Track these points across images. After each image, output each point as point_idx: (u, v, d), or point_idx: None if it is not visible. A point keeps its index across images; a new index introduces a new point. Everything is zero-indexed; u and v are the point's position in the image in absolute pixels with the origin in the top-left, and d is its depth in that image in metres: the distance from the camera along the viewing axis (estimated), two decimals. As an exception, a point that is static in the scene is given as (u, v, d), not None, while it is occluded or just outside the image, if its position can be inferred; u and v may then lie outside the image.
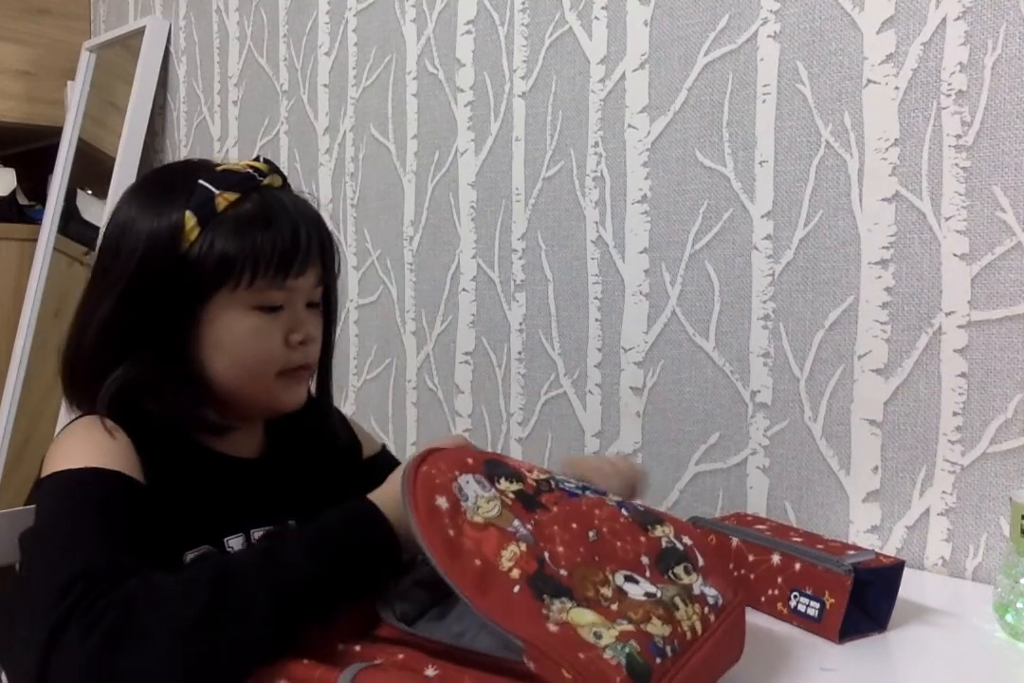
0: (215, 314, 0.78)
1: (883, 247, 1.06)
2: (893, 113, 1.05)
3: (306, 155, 1.79)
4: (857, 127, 1.07)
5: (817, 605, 0.81)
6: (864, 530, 1.08)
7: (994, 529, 0.99)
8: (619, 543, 0.67)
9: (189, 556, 0.74)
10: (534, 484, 0.68)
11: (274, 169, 0.83)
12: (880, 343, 1.06)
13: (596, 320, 1.32)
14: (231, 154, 1.96)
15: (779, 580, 0.85)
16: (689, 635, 0.62)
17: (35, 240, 2.30)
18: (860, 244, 1.07)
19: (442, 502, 0.61)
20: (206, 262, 0.76)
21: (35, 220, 2.37)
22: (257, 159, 0.83)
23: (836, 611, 0.80)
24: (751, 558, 0.88)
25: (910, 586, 0.87)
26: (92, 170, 2.23)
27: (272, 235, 0.77)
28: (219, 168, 0.81)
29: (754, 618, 0.85)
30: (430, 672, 0.57)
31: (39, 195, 2.43)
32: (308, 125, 1.78)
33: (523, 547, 0.61)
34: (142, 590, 0.59)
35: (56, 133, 2.30)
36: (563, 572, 0.61)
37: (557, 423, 1.38)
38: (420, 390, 1.58)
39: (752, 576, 0.88)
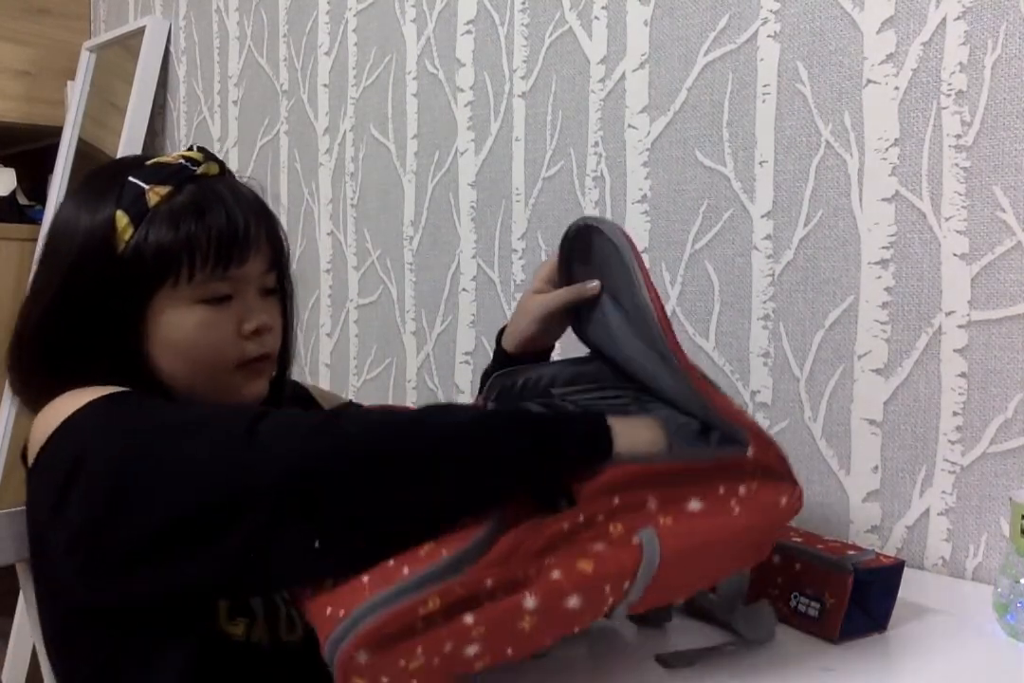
0: (160, 311, 0.77)
1: (883, 247, 1.06)
2: (893, 113, 1.05)
3: (306, 155, 1.79)
4: (857, 127, 1.07)
5: (817, 605, 0.81)
6: (864, 530, 1.08)
7: (994, 529, 0.99)
8: None
9: None
10: None
11: (209, 157, 0.81)
12: (880, 343, 1.06)
13: (596, 320, 1.32)
14: (231, 154, 1.96)
15: (779, 580, 0.85)
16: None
17: (35, 240, 2.30)
18: (860, 244, 1.07)
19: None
20: (143, 259, 0.75)
21: (35, 220, 2.38)
22: (191, 149, 0.82)
23: (836, 611, 0.80)
24: (751, 558, 0.88)
25: (910, 586, 0.87)
26: (92, 170, 2.23)
27: (207, 225, 0.76)
28: (150, 162, 0.80)
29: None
30: (693, 505, 0.66)
31: (39, 195, 2.43)
32: (308, 125, 1.78)
33: None
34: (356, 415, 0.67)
35: (56, 133, 2.30)
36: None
37: (557, 423, 1.38)
38: (420, 390, 1.58)
39: (752, 576, 0.88)
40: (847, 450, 1.09)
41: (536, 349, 0.92)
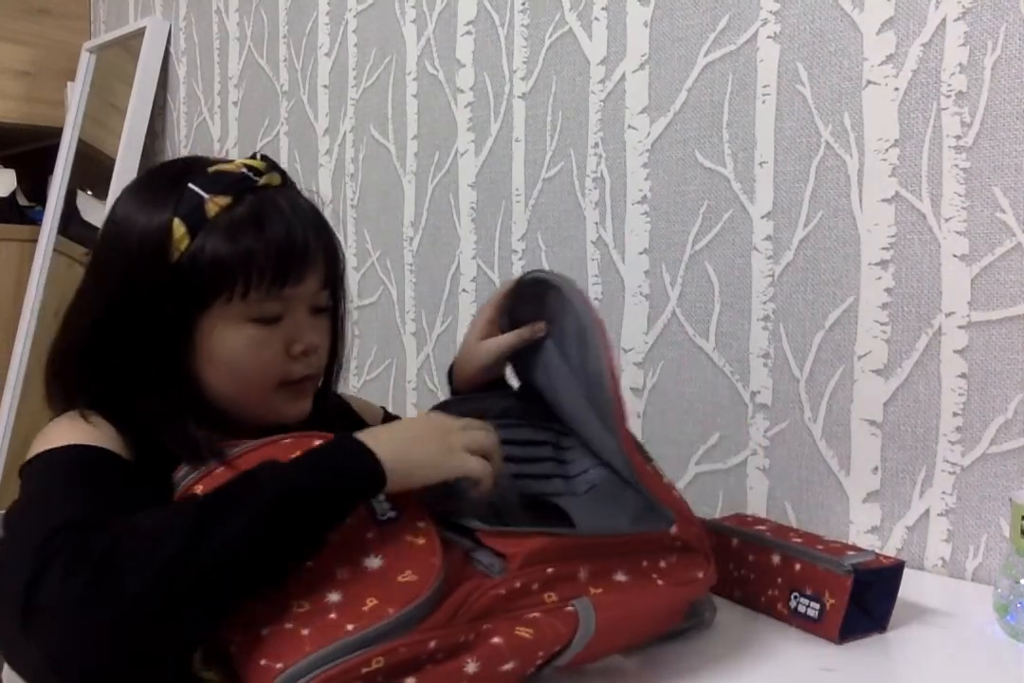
0: (210, 326, 0.74)
1: (883, 248, 1.06)
2: (893, 114, 1.05)
3: (306, 156, 1.79)
4: (857, 128, 1.08)
5: (817, 606, 0.81)
6: (864, 530, 1.08)
7: (994, 530, 0.99)
8: None
9: None
10: None
11: (272, 167, 0.79)
12: (880, 344, 1.06)
13: (596, 321, 1.32)
14: (231, 155, 1.96)
15: (779, 581, 0.85)
16: None
17: (35, 241, 2.30)
18: (860, 245, 1.08)
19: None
20: (198, 271, 0.73)
21: (35, 221, 2.37)
22: (254, 156, 0.79)
23: (836, 611, 0.80)
24: (751, 558, 0.88)
25: (910, 587, 0.87)
26: (92, 171, 2.23)
27: (266, 239, 0.73)
28: (212, 169, 0.76)
29: (754, 619, 0.86)
30: (620, 577, 0.70)
31: (39, 196, 2.43)
32: (308, 126, 1.78)
33: None
34: (125, 530, 0.58)
35: (56, 133, 2.30)
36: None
37: (557, 424, 1.38)
38: (420, 391, 1.58)
39: (752, 576, 0.88)
40: (847, 451, 1.09)
41: (487, 382, 0.92)
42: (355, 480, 0.64)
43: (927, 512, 1.04)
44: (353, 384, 1.69)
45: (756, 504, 1.16)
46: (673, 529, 0.73)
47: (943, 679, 0.76)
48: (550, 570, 0.66)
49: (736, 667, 0.74)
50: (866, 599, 0.81)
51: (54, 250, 2.27)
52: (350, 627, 0.59)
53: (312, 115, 1.77)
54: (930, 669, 0.77)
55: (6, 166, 2.41)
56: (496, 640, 0.62)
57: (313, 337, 0.78)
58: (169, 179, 0.77)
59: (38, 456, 0.71)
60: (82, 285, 0.79)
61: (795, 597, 0.83)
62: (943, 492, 1.02)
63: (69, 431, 0.73)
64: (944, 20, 1.01)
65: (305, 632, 0.59)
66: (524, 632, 0.63)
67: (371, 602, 0.61)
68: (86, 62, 2.32)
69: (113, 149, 2.14)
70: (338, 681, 0.57)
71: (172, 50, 2.16)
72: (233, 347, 0.75)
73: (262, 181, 0.77)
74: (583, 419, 0.81)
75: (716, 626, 0.81)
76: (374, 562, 0.64)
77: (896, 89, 1.04)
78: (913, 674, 0.77)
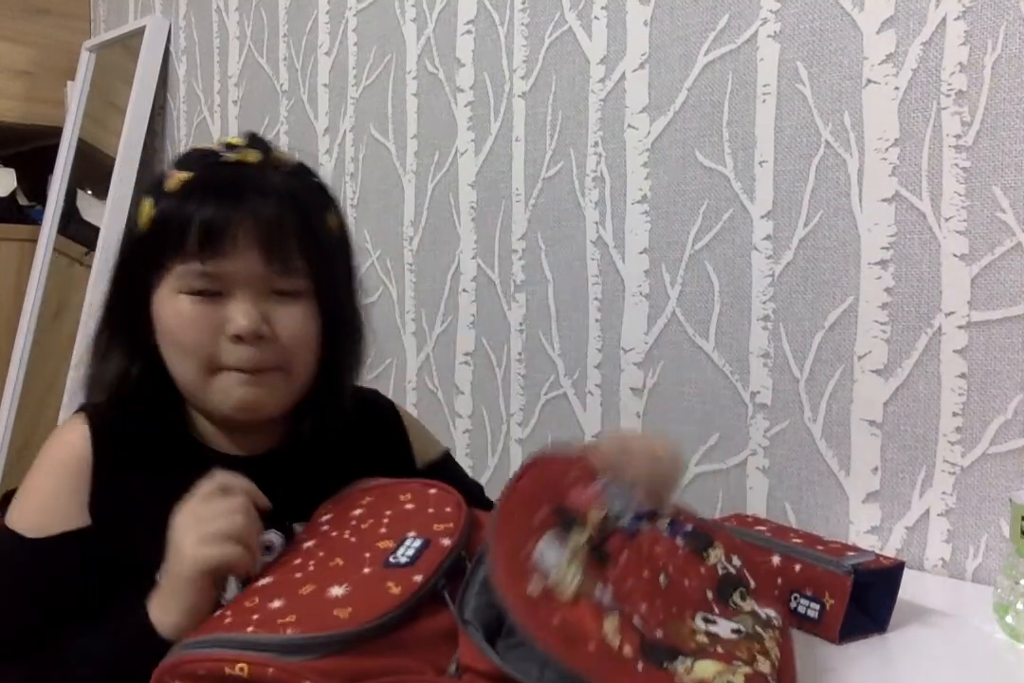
0: (159, 297, 0.74)
1: (883, 247, 1.06)
2: (893, 113, 1.05)
3: (306, 155, 1.78)
4: (857, 127, 1.07)
5: (817, 606, 0.81)
6: (864, 531, 1.08)
7: (994, 530, 0.99)
8: (686, 581, 0.66)
9: None
10: (597, 527, 0.66)
11: (254, 144, 0.77)
12: (880, 343, 1.06)
13: (596, 321, 1.32)
14: (231, 154, 1.96)
15: (779, 581, 0.85)
16: (777, 663, 0.62)
17: (35, 240, 2.30)
18: (860, 244, 1.07)
19: (533, 589, 0.58)
20: (150, 237, 0.74)
21: (35, 220, 2.37)
22: (241, 135, 0.79)
23: (836, 612, 0.80)
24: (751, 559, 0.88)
25: (910, 587, 0.87)
26: (92, 170, 2.23)
27: (202, 209, 0.71)
28: (192, 148, 0.79)
29: (754, 619, 0.86)
30: None
31: (39, 195, 2.43)
32: (308, 125, 1.78)
33: (615, 618, 0.58)
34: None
35: (56, 133, 2.30)
36: (659, 633, 0.60)
37: (557, 424, 1.38)
38: (420, 391, 1.58)
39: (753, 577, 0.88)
40: (847, 451, 1.09)
41: None
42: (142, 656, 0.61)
43: (927, 512, 1.04)
44: (353, 384, 1.69)
45: (756, 504, 1.16)
46: None
47: (943, 679, 0.76)
48: None
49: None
50: (866, 600, 0.81)
51: (54, 250, 2.27)
52: (250, 629, 0.57)
53: (312, 114, 1.77)
54: (930, 669, 0.77)
55: (6, 166, 2.41)
56: None
57: (245, 321, 0.72)
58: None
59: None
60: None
61: (795, 598, 0.83)
62: (943, 492, 1.02)
63: (41, 479, 0.74)
64: (944, 19, 1.01)
65: (228, 620, 0.60)
66: None
67: (289, 618, 0.58)
68: (86, 61, 2.32)
69: (113, 148, 2.14)
70: (204, 668, 0.56)
71: (172, 49, 2.16)
72: (166, 318, 0.74)
73: (233, 157, 0.75)
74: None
75: (715, 627, 0.81)
76: (337, 590, 0.61)
77: (896, 88, 1.04)
78: (913, 674, 0.77)
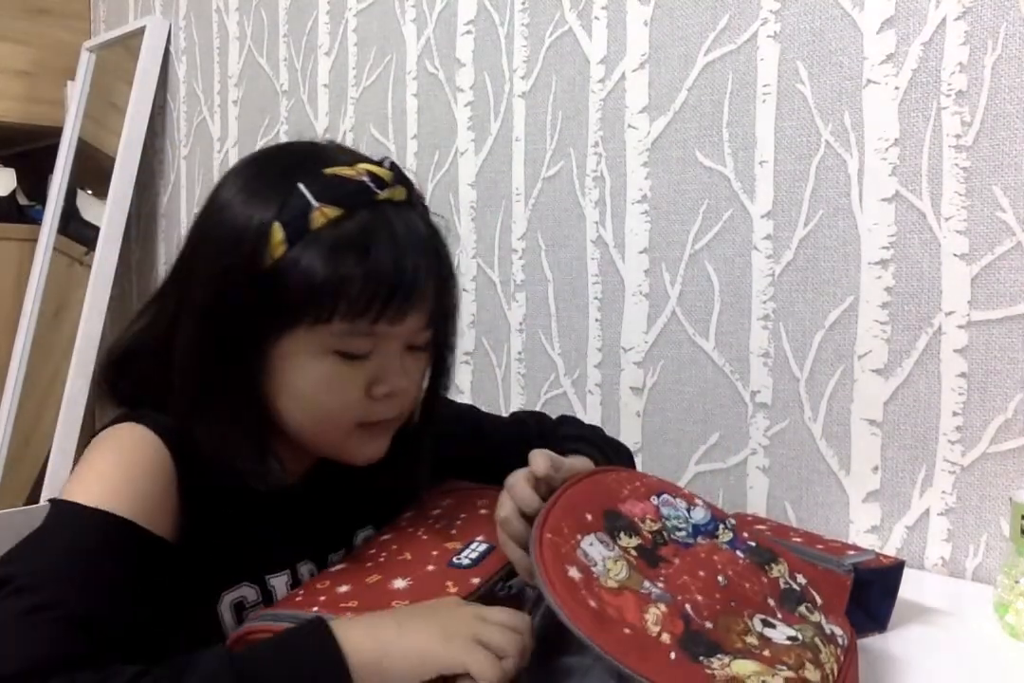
0: (289, 351, 0.66)
1: (883, 247, 1.06)
2: (893, 113, 1.05)
3: (306, 155, 1.79)
4: (857, 127, 1.07)
5: (817, 605, 0.81)
6: (864, 530, 1.08)
7: (994, 529, 0.99)
8: (747, 585, 0.65)
9: (227, 597, 0.69)
10: (650, 537, 0.65)
11: (400, 179, 0.69)
12: (880, 343, 1.06)
13: (596, 320, 1.32)
14: (231, 154, 1.96)
15: (779, 580, 0.85)
16: (831, 678, 0.60)
17: (35, 240, 2.29)
18: (860, 244, 1.07)
19: (574, 573, 0.57)
20: (286, 286, 0.64)
21: (35, 220, 2.37)
22: (381, 163, 0.69)
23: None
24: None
25: (910, 586, 0.87)
26: (92, 170, 2.23)
27: (367, 268, 0.64)
28: (328, 171, 0.66)
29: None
30: None
31: (39, 195, 2.43)
32: (308, 125, 1.78)
33: (663, 608, 0.58)
34: None
35: (56, 133, 2.30)
36: (708, 625, 0.59)
37: (557, 423, 1.38)
38: (420, 390, 1.58)
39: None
40: (847, 450, 1.09)
41: None
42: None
43: (927, 512, 1.04)
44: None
45: (756, 503, 1.16)
46: None
47: (943, 678, 0.76)
48: None
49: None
50: (866, 598, 0.81)
51: (54, 249, 2.27)
52: (314, 609, 0.62)
53: (312, 114, 1.77)
54: (930, 668, 0.77)
55: (6, 165, 2.41)
56: None
57: (401, 380, 0.69)
58: (280, 172, 0.68)
59: (67, 505, 0.62)
60: (170, 271, 0.73)
61: (795, 597, 0.83)
62: (943, 492, 1.02)
63: (114, 469, 0.65)
64: (944, 19, 1.01)
65: (299, 598, 0.65)
66: None
67: (352, 603, 0.63)
68: (86, 61, 2.32)
69: (113, 148, 2.14)
70: (267, 637, 0.59)
71: (172, 49, 2.16)
72: (310, 379, 0.67)
73: (383, 195, 0.67)
74: None
75: (716, 626, 0.81)
76: (400, 583, 0.65)
77: (896, 88, 1.04)
78: (913, 674, 0.77)
